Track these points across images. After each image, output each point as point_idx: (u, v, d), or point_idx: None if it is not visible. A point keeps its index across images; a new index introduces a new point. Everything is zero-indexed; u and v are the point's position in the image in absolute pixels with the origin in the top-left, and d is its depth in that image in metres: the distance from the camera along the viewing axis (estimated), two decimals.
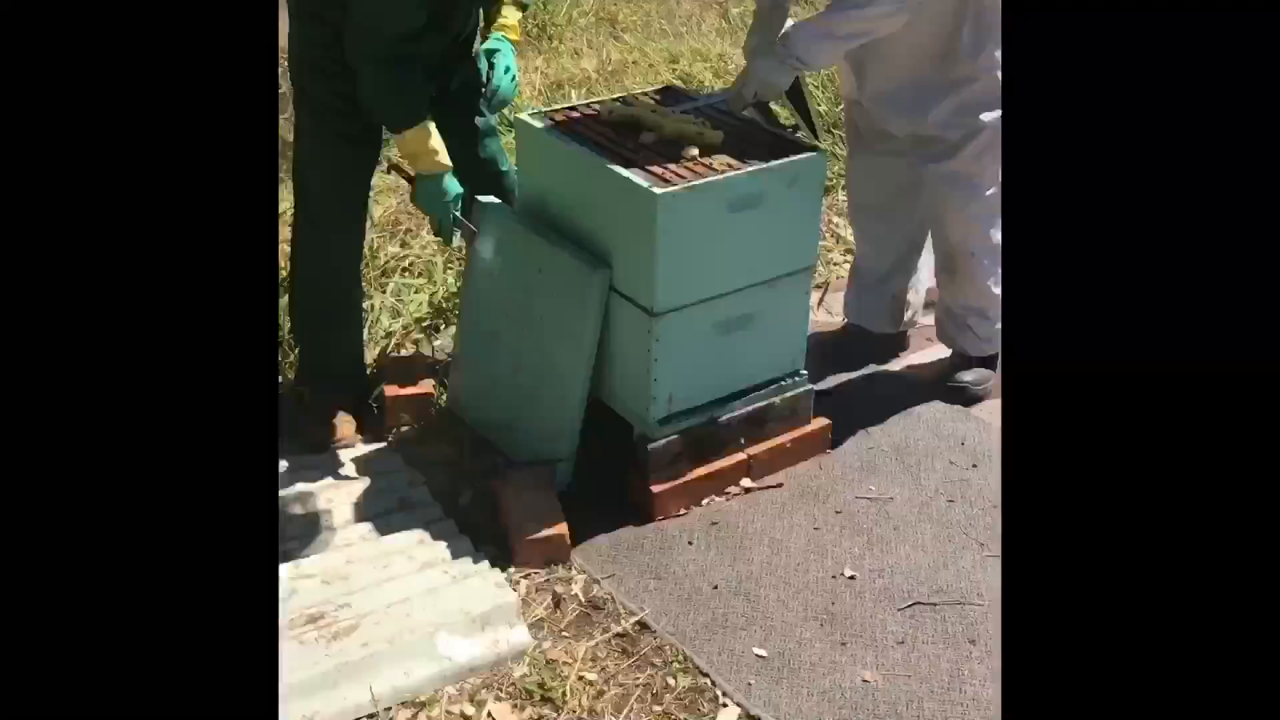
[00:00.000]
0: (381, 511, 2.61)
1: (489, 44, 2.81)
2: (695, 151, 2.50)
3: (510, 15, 2.82)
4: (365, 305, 3.17)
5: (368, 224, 2.90)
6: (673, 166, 2.45)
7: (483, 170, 2.88)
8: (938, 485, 2.70)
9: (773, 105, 2.86)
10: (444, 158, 2.54)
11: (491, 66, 2.79)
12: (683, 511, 2.62)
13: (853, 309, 3.24)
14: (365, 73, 2.43)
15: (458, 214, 2.64)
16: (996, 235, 2.90)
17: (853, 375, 3.12)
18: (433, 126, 2.51)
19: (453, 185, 2.59)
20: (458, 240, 2.73)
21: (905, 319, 3.22)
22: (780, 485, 2.70)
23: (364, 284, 3.16)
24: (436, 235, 2.73)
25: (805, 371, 2.76)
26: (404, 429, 2.90)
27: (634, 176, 2.40)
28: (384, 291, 3.40)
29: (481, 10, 2.79)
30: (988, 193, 2.83)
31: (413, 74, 2.47)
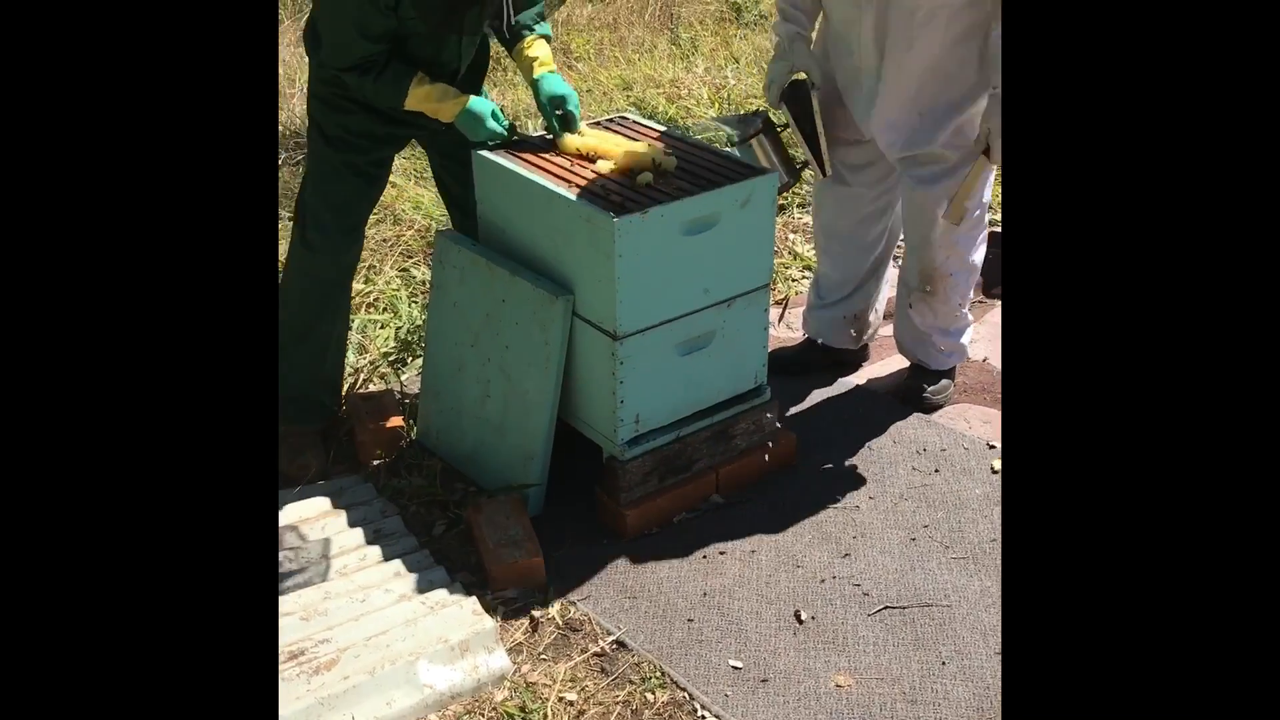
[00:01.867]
0: (356, 545, 2.64)
1: (545, 88, 2.77)
2: (650, 177, 2.56)
3: (538, 48, 2.78)
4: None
5: (358, 257, 2.95)
6: (629, 192, 2.51)
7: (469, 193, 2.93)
8: (902, 491, 2.76)
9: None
10: (454, 99, 2.62)
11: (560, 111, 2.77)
12: (654, 530, 2.66)
13: (812, 325, 3.29)
14: (346, 80, 2.61)
15: (505, 124, 2.69)
16: (973, 257, 2.96)
17: (814, 388, 3.18)
18: (424, 88, 2.58)
19: (480, 106, 2.65)
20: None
21: (866, 336, 3.29)
22: (749, 500, 2.75)
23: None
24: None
25: (768, 386, 2.82)
26: (375, 462, 2.93)
27: (591, 205, 2.45)
28: (350, 328, 3.43)
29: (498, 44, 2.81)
30: (974, 214, 2.88)
31: (382, 67, 2.57)
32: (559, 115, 2.74)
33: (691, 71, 5.60)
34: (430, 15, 2.44)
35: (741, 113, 3.02)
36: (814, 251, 3.31)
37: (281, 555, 2.60)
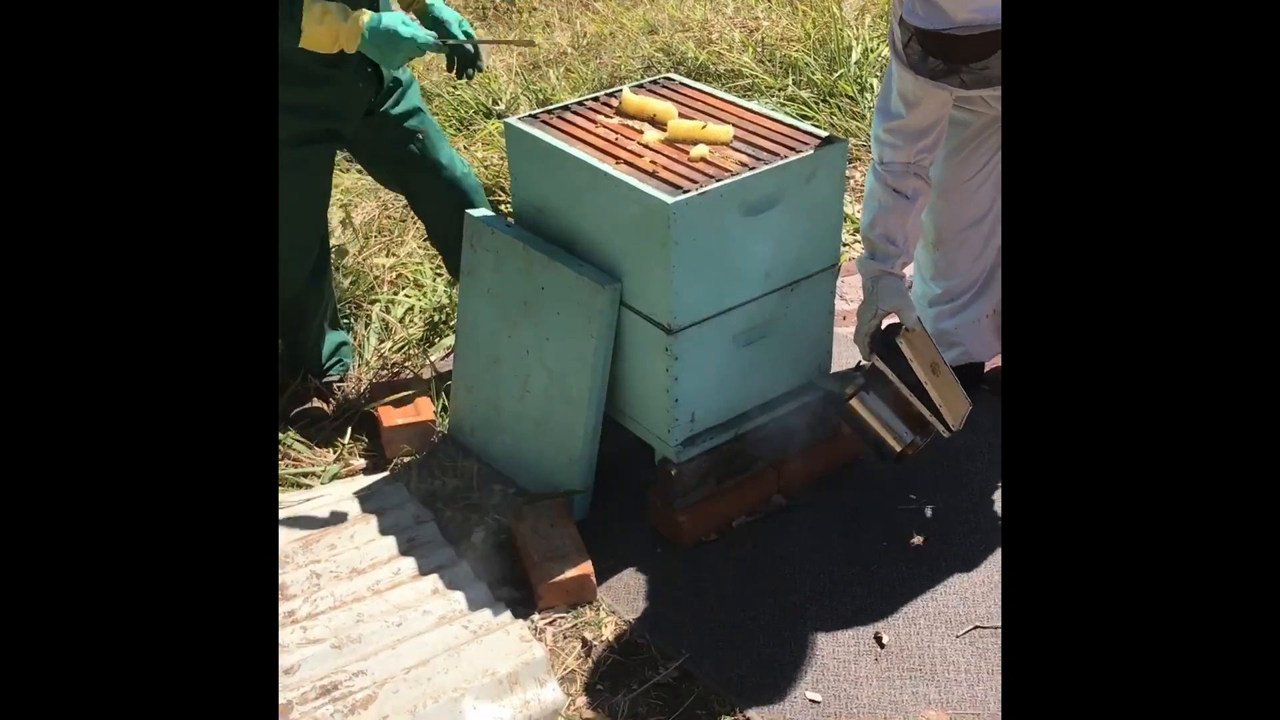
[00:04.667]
0: (389, 556, 2.43)
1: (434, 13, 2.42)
2: (705, 150, 2.30)
3: None
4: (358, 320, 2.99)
5: (316, 237, 2.79)
6: (682, 168, 2.25)
7: (425, 180, 2.70)
8: (981, 487, 2.53)
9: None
10: (351, 26, 2.23)
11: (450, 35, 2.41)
12: (712, 536, 2.44)
13: (947, 346, 2.72)
14: None
15: (426, 34, 2.31)
16: None
17: None
18: (317, 7, 2.22)
19: (385, 20, 2.25)
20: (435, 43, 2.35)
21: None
22: (813, 501, 2.52)
23: (352, 301, 3.00)
24: (449, 71, 2.46)
25: (833, 375, 2.58)
26: (405, 459, 2.71)
27: (642, 184, 2.19)
28: (374, 305, 3.20)
29: None
30: None
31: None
32: (451, 46, 2.38)
33: (720, 12, 5.27)
34: None
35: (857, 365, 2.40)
36: (926, 251, 2.72)
37: (309, 570, 2.39)
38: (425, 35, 2.31)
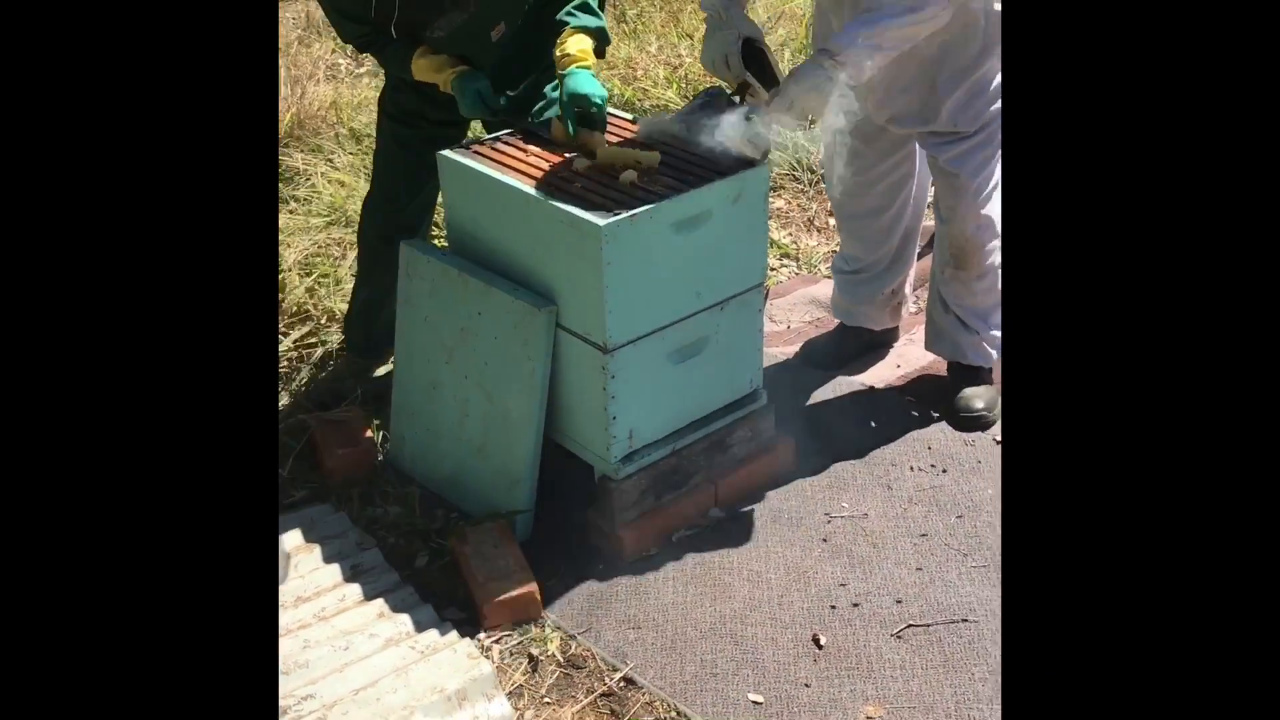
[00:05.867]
0: (334, 583, 2.45)
1: (566, 86, 2.52)
2: (633, 175, 2.38)
3: (573, 43, 2.53)
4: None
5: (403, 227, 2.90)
6: (612, 193, 2.33)
7: None
8: (910, 495, 2.62)
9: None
10: (450, 70, 2.59)
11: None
12: (653, 551, 2.50)
13: (846, 308, 3.11)
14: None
15: (492, 106, 2.61)
16: None
17: (810, 388, 3.02)
18: (427, 59, 2.60)
19: (467, 80, 2.58)
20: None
21: (904, 311, 3.15)
22: (750, 513, 2.59)
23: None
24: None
25: (764, 390, 2.66)
26: (347, 488, 2.73)
27: (573, 208, 2.27)
28: (314, 339, 3.22)
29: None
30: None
31: (384, 45, 2.64)
32: (578, 114, 2.49)
33: (644, 50, 5.40)
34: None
35: (693, 102, 2.61)
36: (836, 230, 3.06)
37: None
38: (478, 106, 2.60)
